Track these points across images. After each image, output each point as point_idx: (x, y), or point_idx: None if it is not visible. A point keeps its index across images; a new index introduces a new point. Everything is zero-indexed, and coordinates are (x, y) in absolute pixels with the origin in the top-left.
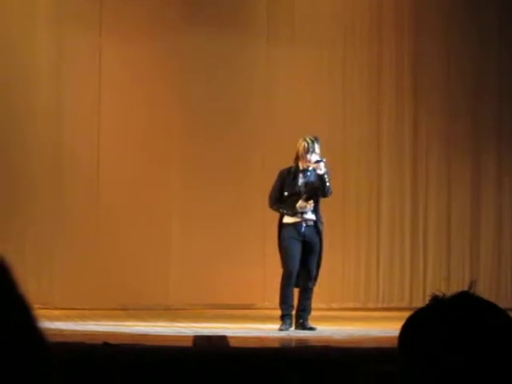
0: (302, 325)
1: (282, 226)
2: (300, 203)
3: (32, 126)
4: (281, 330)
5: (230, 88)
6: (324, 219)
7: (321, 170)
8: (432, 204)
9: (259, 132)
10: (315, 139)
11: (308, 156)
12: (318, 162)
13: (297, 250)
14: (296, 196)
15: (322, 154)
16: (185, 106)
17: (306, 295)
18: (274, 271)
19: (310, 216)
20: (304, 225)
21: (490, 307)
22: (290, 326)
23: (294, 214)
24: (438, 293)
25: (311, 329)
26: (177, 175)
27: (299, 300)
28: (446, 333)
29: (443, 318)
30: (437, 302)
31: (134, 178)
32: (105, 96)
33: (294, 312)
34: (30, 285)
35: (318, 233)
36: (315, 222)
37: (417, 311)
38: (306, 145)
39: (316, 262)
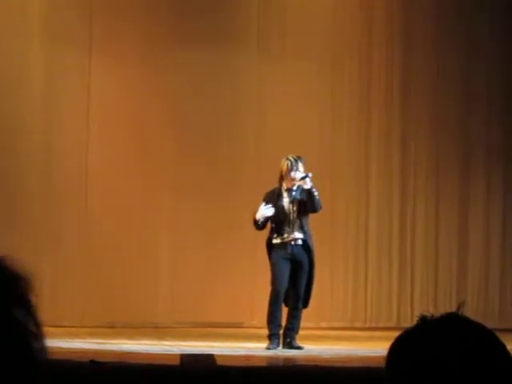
0: (289, 344)
1: (271, 245)
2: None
3: (22, 142)
4: (268, 348)
5: (220, 104)
6: (312, 234)
7: (307, 184)
8: (420, 222)
9: (249, 147)
10: (298, 158)
11: (292, 174)
12: (303, 178)
13: (285, 269)
14: (283, 216)
15: (306, 172)
16: (175, 122)
17: (294, 314)
18: (263, 290)
19: (298, 235)
20: (292, 243)
21: (478, 329)
22: (278, 345)
23: (281, 236)
24: (426, 313)
25: (298, 348)
26: (166, 192)
27: (287, 319)
28: (433, 354)
29: (431, 339)
30: (424, 323)
31: (122, 196)
32: (94, 113)
33: (281, 331)
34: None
35: (308, 251)
36: (304, 241)
37: (404, 332)
38: (289, 163)
39: (306, 281)
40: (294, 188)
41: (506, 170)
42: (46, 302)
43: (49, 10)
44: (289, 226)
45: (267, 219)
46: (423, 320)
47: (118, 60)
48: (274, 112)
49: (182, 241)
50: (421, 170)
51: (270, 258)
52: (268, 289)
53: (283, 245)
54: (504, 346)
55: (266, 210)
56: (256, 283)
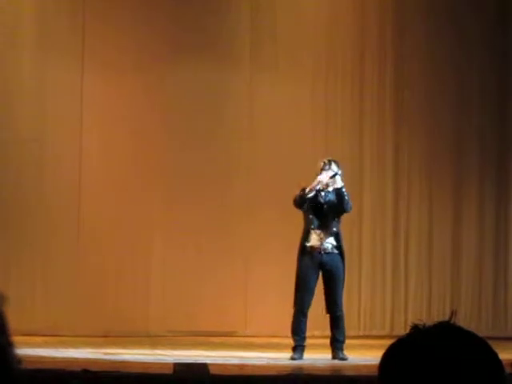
0: (334, 355)
1: (302, 249)
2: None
3: (14, 151)
4: (293, 359)
5: (213, 112)
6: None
7: (337, 183)
8: (413, 231)
9: (242, 153)
10: (332, 160)
11: (324, 173)
12: (333, 176)
13: (313, 282)
14: (318, 211)
15: (342, 175)
16: (169, 129)
17: (334, 324)
18: (256, 298)
19: (331, 241)
20: (323, 253)
21: (469, 337)
22: (301, 357)
23: (313, 239)
24: (418, 322)
25: (343, 359)
26: (159, 201)
27: (330, 330)
28: (425, 362)
29: (423, 347)
30: (417, 332)
31: (115, 205)
32: (87, 121)
33: (305, 343)
34: (11, 312)
35: (341, 257)
36: (336, 247)
37: (396, 341)
38: (323, 164)
39: (340, 288)
40: (329, 189)
41: (498, 176)
42: (39, 311)
43: (41, 19)
44: (321, 229)
45: (312, 198)
46: (415, 328)
47: (111, 69)
48: (267, 119)
49: (173, 250)
50: (414, 177)
51: (298, 262)
52: (260, 297)
53: (313, 253)
54: (496, 354)
55: (319, 185)
56: (248, 292)
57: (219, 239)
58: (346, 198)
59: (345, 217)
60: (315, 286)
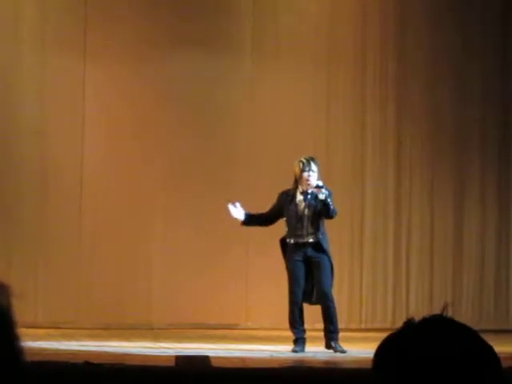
0: (327, 345)
1: (285, 244)
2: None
3: (16, 147)
4: (294, 351)
5: (214, 105)
6: (329, 238)
7: (322, 194)
8: (415, 225)
9: (242, 145)
10: (310, 159)
11: (305, 174)
12: (318, 187)
13: (301, 272)
14: (296, 219)
15: (319, 173)
16: (171, 123)
17: (325, 315)
18: (257, 291)
19: (312, 239)
20: (306, 246)
21: (462, 329)
22: (303, 348)
23: (295, 238)
24: (415, 316)
25: (341, 351)
26: (160, 196)
27: (323, 322)
28: (418, 355)
29: (416, 340)
30: (410, 325)
31: (116, 198)
32: (89, 116)
33: (306, 335)
34: (13, 304)
35: (322, 250)
36: (317, 243)
37: (389, 335)
38: (302, 164)
39: (329, 276)
40: (310, 191)
41: (500, 169)
42: (41, 303)
43: (42, 13)
44: (302, 229)
45: (253, 221)
46: (409, 322)
47: (113, 63)
48: (268, 108)
49: (175, 244)
50: (416, 170)
51: (284, 260)
52: (262, 290)
53: (297, 246)
54: (490, 347)
55: (234, 212)
56: (249, 285)
57: (220, 232)
58: (331, 207)
59: (345, 211)
60: (304, 277)
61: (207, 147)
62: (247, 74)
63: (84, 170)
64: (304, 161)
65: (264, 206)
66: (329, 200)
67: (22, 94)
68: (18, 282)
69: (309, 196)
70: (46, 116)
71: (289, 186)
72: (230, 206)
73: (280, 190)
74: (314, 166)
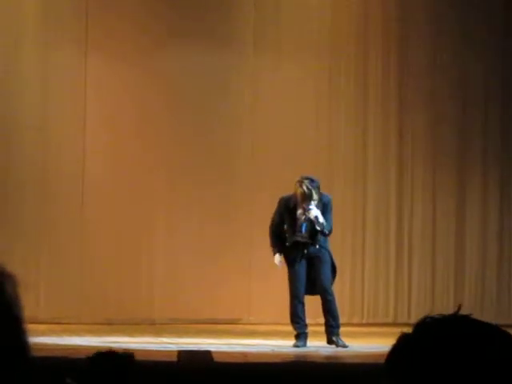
0: (328, 340)
1: (284, 246)
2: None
3: (18, 142)
4: (296, 346)
5: (216, 100)
6: (331, 249)
7: (310, 215)
8: (417, 219)
9: (245, 141)
10: (312, 186)
11: (304, 205)
12: (316, 218)
13: (302, 267)
14: (296, 226)
15: (318, 189)
16: (173, 118)
17: (325, 309)
18: (260, 286)
19: (312, 240)
20: (307, 244)
21: (491, 329)
22: (305, 343)
23: (295, 239)
24: (430, 314)
25: (342, 346)
26: (162, 190)
27: (323, 316)
28: (438, 355)
29: (435, 339)
30: (429, 323)
31: (118, 193)
32: (91, 110)
33: (307, 330)
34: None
35: (323, 247)
36: (317, 242)
37: (403, 334)
38: (303, 195)
39: (329, 271)
40: (310, 207)
41: (502, 167)
42: (43, 299)
43: (44, 8)
44: (302, 234)
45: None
46: (426, 320)
47: (115, 57)
48: (270, 102)
49: (176, 238)
50: (418, 167)
51: (285, 260)
52: (264, 285)
53: (297, 244)
54: None
55: (277, 261)
56: (252, 280)
57: (223, 227)
58: (318, 228)
59: (348, 207)
60: (305, 273)
61: (210, 140)
62: (249, 68)
63: (86, 164)
64: (306, 190)
65: (267, 196)
66: (316, 219)
67: (24, 90)
68: (19, 278)
69: (307, 212)
70: (47, 110)
71: (290, 181)
72: (280, 263)
73: (281, 187)
74: (314, 195)
